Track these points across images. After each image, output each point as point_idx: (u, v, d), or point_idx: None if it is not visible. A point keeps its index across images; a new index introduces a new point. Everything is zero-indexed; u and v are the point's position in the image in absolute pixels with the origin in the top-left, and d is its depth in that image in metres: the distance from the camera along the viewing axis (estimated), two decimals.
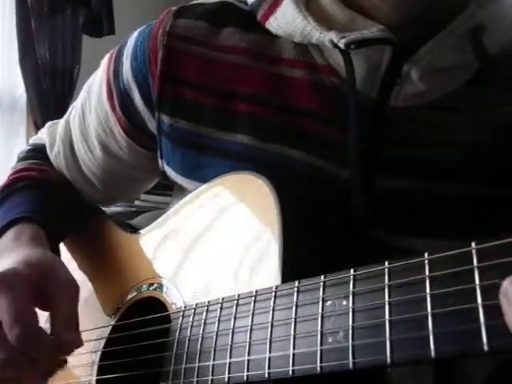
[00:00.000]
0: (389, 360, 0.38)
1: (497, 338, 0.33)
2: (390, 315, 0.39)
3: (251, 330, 0.48)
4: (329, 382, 0.44)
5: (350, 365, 0.40)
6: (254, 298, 0.49)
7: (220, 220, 0.59)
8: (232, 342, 0.50)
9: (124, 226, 0.78)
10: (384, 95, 0.58)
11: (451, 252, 0.37)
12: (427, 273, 0.38)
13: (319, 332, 0.43)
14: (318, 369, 0.42)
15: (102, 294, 0.72)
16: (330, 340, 0.42)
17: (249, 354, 0.48)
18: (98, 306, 0.72)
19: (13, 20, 2.68)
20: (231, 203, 0.58)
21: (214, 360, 0.51)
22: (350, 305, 0.42)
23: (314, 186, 0.59)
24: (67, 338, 0.57)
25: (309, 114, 0.61)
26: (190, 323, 0.55)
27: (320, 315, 0.43)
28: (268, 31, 0.63)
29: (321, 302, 0.44)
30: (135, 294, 0.67)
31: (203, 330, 0.53)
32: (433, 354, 0.35)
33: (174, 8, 0.70)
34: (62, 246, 0.80)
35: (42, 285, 0.59)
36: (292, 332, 0.45)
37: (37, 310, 0.58)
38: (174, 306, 0.59)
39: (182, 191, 0.68)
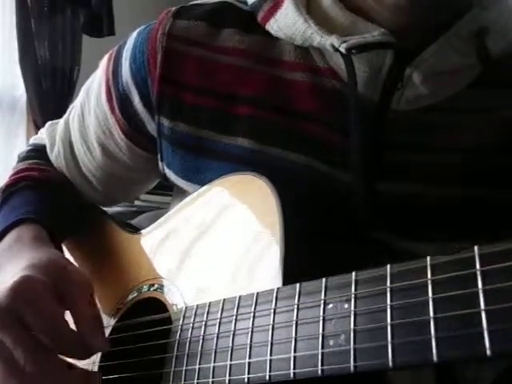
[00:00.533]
0: (390, 364, 0.38)
1: (500, 343, 0.33)
2: (391, 319, 0.39)
3: (252, 332, 0.48)
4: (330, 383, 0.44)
5: (352, 368, 0.40)
6: (255, 300, 0.49)
7: (221, 221, 0.59)
8: (233, 344, 0.49)
9: (124, 226, 0.77)
10: (386, 99, 0.58)
11: (454, 256, 0.37)
12: (429, 276, 0.37)
13: (320, 335, 0.43)
14: (319, 372, 0.42)
15: (103, 294, 0.72)
16: (331, 343, 0.42)
17: (250, 357, 0.47)
18: (99, 307, 0.72)
19: (13, 20, 2.68)
20: (232, 204, 0.58)
21: (214, 362, 0.50)
22: (352, 308, 0.41)
23: (315, 188, 0.59)
24: (94, 342, 0.57)
25: (310, 116, 0.60)
26: (191, 325, 0.55)
27: (321, 318, 0.43)
28: (268, 33, 0.63)
29: (322, 305, 0.44)
30: (136, 294, 0.67)
31: (204, 332, 0.53)
32: (435, 358, 0.35)
33: (173, 8, 0.69)
34: (63, 247, 0.80)
35: (57, 286, 0.58)
36: (293, 334, 0.45)
37: None
38: (174, 307, 0.59)
39: (183, 192, 0.68)
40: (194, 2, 0.70)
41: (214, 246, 0.58)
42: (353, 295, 0.42)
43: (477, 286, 0.35)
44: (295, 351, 0.44)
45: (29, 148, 0.88)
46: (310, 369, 0.43)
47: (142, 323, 0.63)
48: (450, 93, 0.58)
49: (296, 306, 0.45)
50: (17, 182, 0.79)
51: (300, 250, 0.52)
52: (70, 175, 0.81)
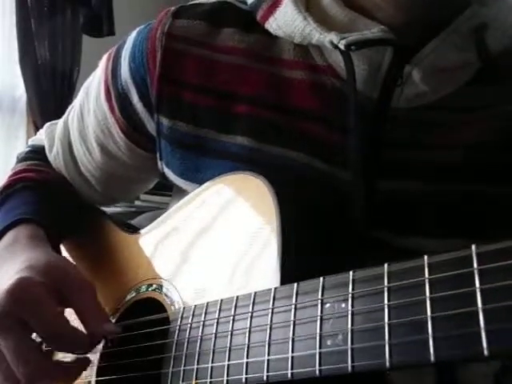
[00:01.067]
0: (388, 364, 0.37)
1: (497, 343, 0.33)
2: (389, 318, 0.39)
3: (250, 332, 0.48)
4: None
5: (349, 368, 0.40)
6: (252, 299, 0.49)
7: (219, 220, 0.58)
8: (231, 344, 0.49)
9: (123, 226, 0.77)
10: (385, 96, 0.57)
11: (451, 255, 0.36)
12: (427, 276, 0.37)
13: (318, 335, 0.43)
14: (317, 372, 0.42)
15: (101, 294, 0.72)
16: (328, 343, 0.42)
17: (247, 357, 0.47)
18: None
19: (13, 20, 2.68)
20: (230, 203, 0.58)
21: (212, 362, 0.50)
22: (349, 307, 0.41)
23: (314, 187, 0.59)
24: (105, 328, 0.59)
25: (309, 115, 0.60)
26: (189, 325, 0.55)
27: (319, 318, 0.43)
28: (268, 32, 0.63)
29: (320, 305, 0.43)
30: (134, 294, 0.67)
31: (202, 332, 0.53)
32: (432, 358, 0.35)
33: (172, 8, 0.69)
34: (61, 247, 0.80)
35: (57, 287, 0.59)
36: (291, 334, 0.45)
37: None
38: (172, 307, 0.59)
39: (182, 192, 0.68)
40: (194, 2, 0.70)
41: (212, 246, 0.58)
42: (350, 295, 0.42)
43: (474, 284, 0.35)
44: (293, 351, 0.44)
45: (27, 149, 0.89)
46: (308, 369, 0.42)
47: (140, 323, 0.63)
48: (449, 90, 0.58)
49: (293, 306, 0.45)
50: (15, 183, 0.79)
51: (298, 249, 0.52)
52: (69, 175, 0.81)
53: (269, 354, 0.46)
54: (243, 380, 0.47)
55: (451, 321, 0.35)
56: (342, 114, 0.58)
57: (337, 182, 0.58)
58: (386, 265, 0.40)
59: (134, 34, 0.72)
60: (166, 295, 0.61)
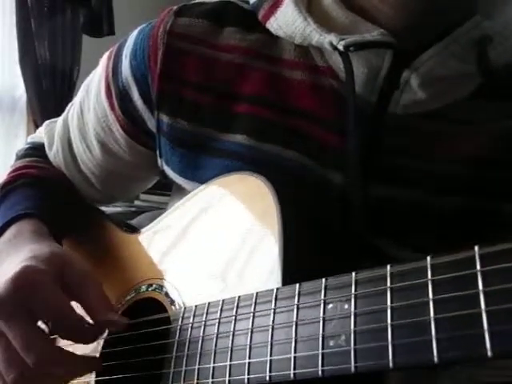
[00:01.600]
0: (391, 364, 0.37)
1: (501, 344, 0.33)
2: (392, 319, 0.39)
3: (252, 332, 0.48)
4: None
5: (352, 369, 0.40)
6: (254, 300, 0.49)
7: (219, 220, 0.58)
8: (232, 344, 0.49)
9: (123, 225, 0.77)
10: (383, 101, 0.57)
11: (454, 256, 0.36)
12: (430, 277, 0.37)
13: (321, 335, 0.43)
14: (320, 372, 0.42)
15: None
16: (331, 343, 0.42)
17: (249, 357, 0.47)
18: None
19: (13, 20, 2.68)
20: (231, 203, 0.58)
21: (214, 362, 0.50)
22: (352, 308, 0.41)
23: (310, 187, 0.59)
24: (111, 318, 0.59)
25: (307, 115, 0.60)
26: (190, 325, 0.55)
27: (321, 318, 0.43)
28: (269, 31, 0.63)
29: (322, 305, 0.43)
30: (134, 294, 0.67)
31: (203, 332, 0.53)
32: (435, 359, 0.35)
33: (174, 7, 0.69)
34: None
35: (60, 276, 0.59)
36: (293, 335, 0.45)
37: None
38: (173, 307, 0.59)
39: (181, 191, 0.68)
40: (196, 1, 0.70)
41: (213, 246, 0.58)
42: (353, 295, 0.42)
43: (477, 286, 0.35)
44: (295, 352, 0.44)
45: (27, 146, 0.88)
46: (311, 369, 0.42)
47: (140, 323, 0.63)
48: (448, 101, 0.57)
49: (296, 306, 0.45)
50: (15, 180, 0.79)
51: (299, 249, 0.52)
52: (69, 173, 0.81)
53: (271, 355, 0.46)
54: (245, 380, 0.47)
55: (454, 322, 0.35)
56: (340, 116, 0.58)
57: (332, 184, 0.58)
58: (388, 266, 0.40)
59: (135, 32, 0.72)
60: (166, 295, 0.61)
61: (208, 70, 0.65)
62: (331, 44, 0.56)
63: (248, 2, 0.67)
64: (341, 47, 0.55)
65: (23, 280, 0.55)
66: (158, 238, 0.67)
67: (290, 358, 0.44)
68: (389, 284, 0.40)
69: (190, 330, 0.54)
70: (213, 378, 0.50)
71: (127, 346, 0.63)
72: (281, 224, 0.51)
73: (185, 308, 0.57)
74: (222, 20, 0.66)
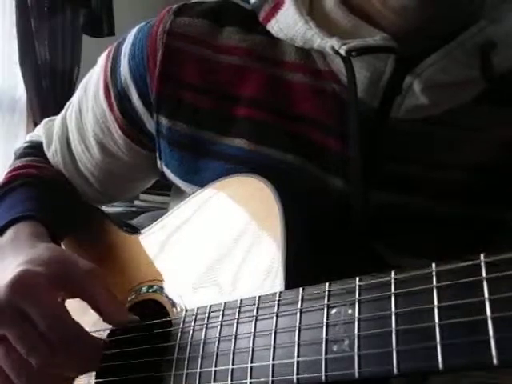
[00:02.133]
0: (395, 370, 0.37)
1: (507, 352, 0.33)
2: (396, 325, 0.38)
3: (254, 335, 0.48)
4: None
5: (356, 374, 0.39)
6: (256, 303, 0.49)
7: (221, 223, 0.58)
8: (235, 347, 0.49)
9: (123, 226, 0.77)
10: (385, 106, 0.57)
11: (459, 263, 0.36)
12: (435, 283, 0.37)
13: (324, 340, 0.42)
14: (323, 378, 0.41)
15: None
16: (335, 349, 0.41)
17: (252, 361, 0.47)
18: None
19: (13, 20, 2.68)
20: (232, 206, 0.58)
21: (216, 366, 0.50)
22: (356, 313, 0.41)
23: (310, 192, 0.58)
24: (121, 318, 0.60)
25: (308, 119, 0.60)
26: (192, 327, 0.54)
27: (325, 323, 0.43)
28: (270, 33, 0.62)
29: (326, 310, 0.43)
30: (134, 295, 0.67)
31: (205, 335, 0.52)
32: (441, 366, 0.35)
33: (174, 6, 0.69)
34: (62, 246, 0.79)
35: (59, 279, 0.59)
36: (296, 339, 0.44)
37: None
38: (174, 309, 0.59)
39: (181, 192, 0.68)
40: (196, 1, 0.70)
41: (215, 248, 0.58)
42: (357, 300, 0.41)
43: (483, 293, 0.35)
44: (298, 356, 0.44)
45: (26, 145, 0.88)
46: (314, 374, 0.42)
47: (141, 325, 0.62)
48: (452, 106, 0.57)
49: (299, 311, 0.45)
50: (14, 180, 0.79)
51: (301, 252, 0.51)
52: (68, 173, 0.81)
53: (274, 359, 0.45)
54: None
55: (459, 329, 0.35)
56: (342, 120, 0.57)
57: (332, 188, 0.57)
58: (392, 272, 0.40)
59: (134, 31, 0.72)
60: (167, 297, 0.61)
61: (207, 71, 0.65)
62: (333, 48, 0.55)
63: (248, 2, 0.66)
64: (343, 52, 0.54)
65: (19, 285, 0.55)
66: (158, 239, 0.67)
67: (293, 363, 0.44)
68: (393, 290, 0.39)
69: (191, 332, 0.54)
70: (214, 381, 0.50)
71: (128, 348, 0.63)
72: (283, 226, 0.51)
73: (186, 310, 0.57)
74: (221, 19, 0.66)
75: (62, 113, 0.83)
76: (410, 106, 0.56)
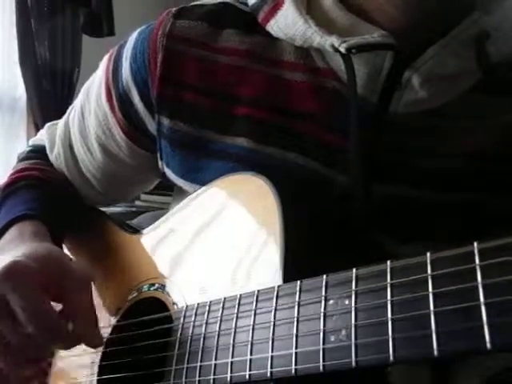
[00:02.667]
0: (391, 358, 0.38)
1: (500, 336, 0.33)
2: (392, 314, 0.39)
3: (253, 329, 0.48)
4: (331, 380, 0.44)
5: (353, 363, 0.40)
6: (255, 297, 0.49)
7: (220, 220, 0.59)
8: (234, 341, 0.50)
9: (124, 226, 0.78)
10: (384, 101, 0.57)
11: (453, 251, 0.37)
12: (429, 272, 0.38)
13: (322, 331, 0.43)
14: (321, 368, 0.42)
15: (103, 294, 0.72)
16: (332, 339, 0.42)
17: (251, 353, 0.48)
18: (99, 307, 0.71)
19: (13, 20, 2.68)
20: (232, 204, 0.58)
21: (215, 359, 0.51)
22: (353, 304, 0.42)
23: (312, 189, 0.59)
24: (90, 335, 0.59)
25: (308, 117, 0.60)
26: (192, 323, 0.55)
27: (322, 314, 0.43)
28: (269, 33, 0.63)
29: (323, 301, 0.44)
30: (136, 294, 0.67)
31: (205, 330, 0.53)
32: (436, 352, 0.35)
33: (173, 9, 0.69)
34: (63, 246, 0.80)
35: (54, 279, 0.59)
36: (294, 331, 0.45)
37: None
38: (175, 306, 0.59)
39: (183, 192, 0.68)
40: (195, 3, 0.70)
41: (214, 246, 0.58)
42: (353, 291, 0.42)
43: (476, 280, 0.35)
44: (296, 347, 0.44)
45: (29, 149, 0.89)
46: (312, 365, 0.43)
47: (142, 322, 0.63)
48: (449, 97, 0.57)
49: (297, 303, 0.46)
50: (16, 181, 0.79)
51: (300, 249, 0.52)
52: (70, 176, 0.82)
53: (272, 351, 0.46)
54: (247, 376, 0.47)
55: (454, 315, 0.36)
56: (342, 116, 0.58)
57: (335, 184, 0.58)
58: (388, 261, 0.40)
59: (135, 34, 0.72)
60: (168, 294, 0.62)
61: (207, 72, 0.65)
62: (333, 46, 0.56)
63: (246, 4, 0.67)
64: (343, 50, 0.55)
65: (8, 271, 0.55)
66: (159, 239, 0.67)
67: (291, 354, 0.44)
68: (389, 280, 0.40)
69: (191, 327, 0.55)
70: (214, 374, 0.50)
71: (129, 345, 0.63)
72: (282, 224, 0.51)
73: (187, 306, 0.57)
74: (220, 22, 0.66)
75: (65, 117, 0.83)
76: (409, 100, 0.57)
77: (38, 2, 2.64)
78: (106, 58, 0.77)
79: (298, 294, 0.46)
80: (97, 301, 0.72)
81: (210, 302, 0.54)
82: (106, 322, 0.69)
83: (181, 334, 0.56)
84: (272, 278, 0.50)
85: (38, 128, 2.58)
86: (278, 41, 0.63)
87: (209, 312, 0.54)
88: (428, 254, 0.38)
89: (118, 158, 0.76)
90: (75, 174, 0.81)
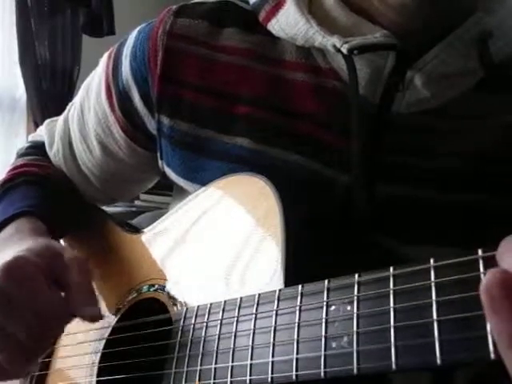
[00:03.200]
0: (394, 366, 0.37)
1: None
2: (394, 321, 0.39)
3: (254, 333, 0.48)
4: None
5: (355, 370, 0.40)
6: (256, 301, 0.49)
7: (222, 221, 0.58)
8: (234, 345, 0.49)
9: (124, 225, 0.77)
10: (387, 101, 0.57)
11: (457, 259, 0.36)
12: (433, 279, 0.37)
13: (323, 337, 0.43)
14: (322, 374, 0.42)
15: (102, 294, 0.72)
16: (333, 345, 0.42)
17: (252, 358, 0.47)
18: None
19: (13, 20, 2.68)
20: (233, 204, 0.58)
21: (216, 363, 0.50)
22: (355, 310, 0.41)
23: (314, 189, 0.59)
24: (88, 313, 0.57)
25: (309, 117, 0.60)
26: (192, 325, 0.55)
27: (324, 320, 0.43)
28: (270, 32, 0.63)
29: (325, 307, 0.43)
30: (136, 294, 0.67)
31: (205, 333, 0.53)
32: (438, 361, 0.35)
33: (174, 7, 0.69)
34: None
35: (52, 269, 0.58)
36: (295, 336, 0.45)
37: None
38: (175, 308, 0.59)
39: (183, 192, 0.68)
40: (195, 1, 0.70)
41: (215, 247, 0.58)
42: (355, 297, 0.42)
43: (480, 288, 0.35)
44: (297, 353, 0.44)
45: (28, 145, 0.88)
46: (313, 371, 0.42)
47: (142, 324, 0.63)
48: (451, 97, 0.57)
49: (298, 308, 0.45)
50: (15, 177, 0.79)
51: (301, 251, 0.52)
52: (69, 173, 0.81)
53: (273, 356, 0.46)
54: (247, 381, 0.47)
55: (457, 324, 0.35)
56: (344, 117, 0.58)
57: (335, 184, 0.58)
58: (391, 268, 0.40)
59: (135, 32, 0.72)
60: (168, 295, 0.61)
61: (208, 71, 0.65)
62: (334, 46, 0.56)
63: (247, 2, 0.66)
64: (345, 50, 0.55)
65: (10, 268, 0.55)
66: (160, 239, 0.67)
67: (292, 360, 0.44)
68: (391, 286, 0.40)
69: (191, 330, 0.55)
70: (214, 378, 0.50)
71: (129, 347, 0.63)
72: (283, 225, 0.51)
73: (187, 309, 0.57)
74: (221, 20, 0.66)
75: (65, 114, 0.83)
76: (412, 100, 0.57)
77: (38, 2, 2.64)
78: (105, 55, 0.76)
79: (299, 298, 0.46)
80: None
81: (211, 304, 0.54)
82: (105, 322, 0.69)
83: (181, 337, 0.56)
84: (273, 280, 0.50)
85: (37, 127, 2.56)
86: (279, 40, 0.63)
87: (209, 315, 0.53)
88: (431, 261, 0.38)
89: (116, 157, 0.75)
90: (74, 171, 0.81)
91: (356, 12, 0.59)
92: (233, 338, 0.50)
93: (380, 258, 0.48)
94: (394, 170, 0.57)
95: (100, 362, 0.67)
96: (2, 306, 0.55)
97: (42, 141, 0.85)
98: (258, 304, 0.49)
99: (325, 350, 0.42)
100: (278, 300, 0.47)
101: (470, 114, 0.58)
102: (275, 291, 0.48)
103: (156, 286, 0.64)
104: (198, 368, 0.52)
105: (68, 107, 0.83)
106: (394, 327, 0.38)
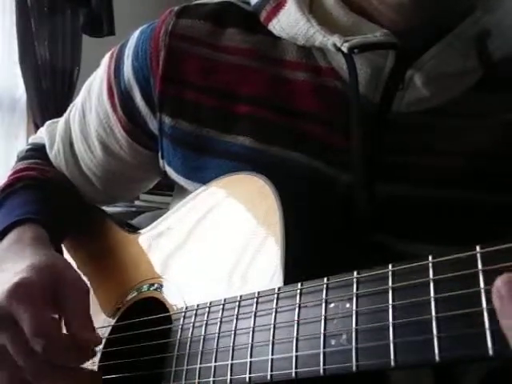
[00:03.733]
0: (393, 363, 0.38)
1: (502, 343, 0.33)
2: (393, 318, 0.39)
3: (253, 331, 0.48)
4: (331, 382, 0.44)
5: (354, 367, 0.40)
6: (256, 299, 0.49)
7: (221, 220, 0.58)
8: (234, 343, 0.49)
9: (124, 225, 0.77)
10: (387, 100, 0.57)
11: (456, 255, 0.36)
12: (431, 276, 0.37)
13: (322, 334, 0.43)
14: (321, 371, 0.42)
15: (102, 294, 0.72)
16: (333, 342, 0.42)
17: (251, 356, 0.47)
18: (98, 307, 0.71)
19: (13, 20, 2.68)
20: (233, 204, 0.58)
21: (215, 361, 0.50)
22: (354, 307, 0.41)
23: (315, 188, 0.59)
24: (86, 337, 0.57)
25: (310, 116, 0.60)
26: (192, 324, 0.55)
27: (323, 317, 0.43)
28: (271, 32, 0.63)
29: (324, 304, 0.43)
30: (135, 294, 0.67)
31: (205, 331, 0.53)
32: (437, 358, 0.35)
33: (176, 7, 0.69)
34: (62, 246, 0.80)
35: (54, 290, 0.58)
36: (295, 334, 0.45)
37: None
38: (174, 307, 0.59)
39: (183, 191, 0.68)
40: (197, 2, 0.70)
41: (215, 246, 0.58)
42: (354, 294, 0.42)
43: (479, 285, 0.35)
44: (297, 350, 0.44)
45: (28, 147, 0.88)
46: (312, 368, 0.42)
47: (141, 323, 0.63)
48: (451, 96, 0.58)
49: (297, 306, 0.45)
50: (16, 182, 0.79)
51: (301, 250, 0.52)
52: (70, 174, 0.81)
53: (273, 354, 0.46)
54: (247, 379, 0.47)
55: (456, 321, 0.35)
56: (344, 116, 0.58)
57: (336, 183, 0.58)
58: (390, 265, 0.40)
59: (137, 33, 0.72)
60: (167, 295, 0.61)
61: (209, 71, 0.65)
62: (335, 45, 0.56)
63: (249, 3, 0.67)
64: (345, 49, 0.55)
65: (18, 293, 0.55)
66: (159, 238, 0.67)
67: (291, 357, 0.44)
68: (390, 283, 0.40)
69: (191, 329, 0.55)
70: (214, 376, 0.50)
71: (129, 346, 0.63)
72: (283, 224, 0.51)
73: (186, 307, 0.57)
74: (223, 21, 0.66)
75: (65, 114, 0.83)
76: (412, 99, 0.57)
77: (38, 1, 2.64)
78: (107, 56, 0.76)
79: (298, 296, 0.46)
80: (96, 300, 0.73)
81: (210, 303, 0.54)
82: (105, 322, 0.69)
83: (180, 335, 0.56)
84: (273, 279, 0.50)
85: (37, 128, 2.57)
86: (280, 40, 0.63)
87: (209, 313, 0.53)
88: (430, 258, 0.38)
89: (118, 156, 0.75)
90: (75, 172, 0.81)
91: (356, 11, 0.59)
92: (232, 336, 0.50)
93: (380, 256, 0.48)
94: (394, 169, 0.57)
95: (100, 362, 0.67)
96: (7, 327, 0.55)
97: (43, 143, 0.85)
98: (257, 302, 0.49)
99: (324, 348, 0.42)
100: (278, 298, 0.47)
101: (469, 113, 0.58)
102: (274, 289, 0.48)
103: (156, 285, 0.64)
104: (198, 366, 0.52)
105: (69, 108, 0.84)
106: (393, 324, 0.38)
